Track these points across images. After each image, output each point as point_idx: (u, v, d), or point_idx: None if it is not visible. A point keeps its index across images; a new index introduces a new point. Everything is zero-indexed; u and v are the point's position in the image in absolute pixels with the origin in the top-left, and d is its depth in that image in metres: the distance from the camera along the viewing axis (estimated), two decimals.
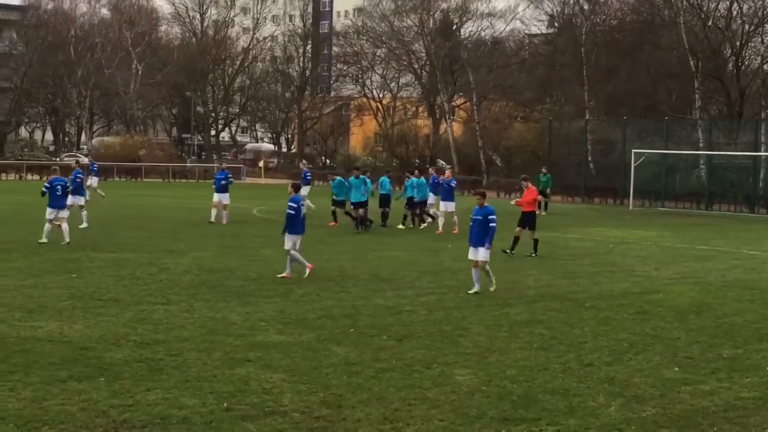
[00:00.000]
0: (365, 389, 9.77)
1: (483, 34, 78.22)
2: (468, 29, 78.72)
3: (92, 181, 40.05)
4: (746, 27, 56.12)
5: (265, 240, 24.12)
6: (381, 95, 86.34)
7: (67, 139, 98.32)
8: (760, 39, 56.69)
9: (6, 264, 18.65)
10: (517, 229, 22.88)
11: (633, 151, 47.59)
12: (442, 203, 29.40)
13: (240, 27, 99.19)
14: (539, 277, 18.83)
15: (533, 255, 22.28)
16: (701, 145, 49.67)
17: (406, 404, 9.26)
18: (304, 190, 32.90)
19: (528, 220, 22.87)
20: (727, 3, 56.33)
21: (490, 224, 16.33)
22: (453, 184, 29.74)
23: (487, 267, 16.46)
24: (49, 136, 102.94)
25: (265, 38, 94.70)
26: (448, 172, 31.41)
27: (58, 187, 23.02)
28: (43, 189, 23.16)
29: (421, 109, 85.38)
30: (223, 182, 30.12)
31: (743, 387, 10.31)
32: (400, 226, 29.68)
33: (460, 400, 9.48)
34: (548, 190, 40.61)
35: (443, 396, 9.59)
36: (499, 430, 8.59)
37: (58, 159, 73.64)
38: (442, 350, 11.73)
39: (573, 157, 54.07)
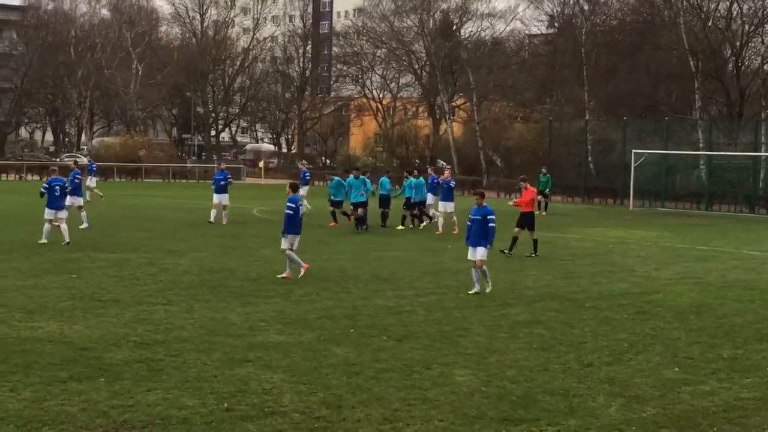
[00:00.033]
0: (365, 390, 9.77)
1: (483, 34, 78.37)
2: (468, 29, 78.89)
3: (91, 181, 40.09)
4: (746, 27, 56.13)
5: (265, 240, 24.12)
6: (381, 95, 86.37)
7: (67, 139, 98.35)
8: (760, 39, 56.70)
9: (6, 264, 18.66)
10: (516, 229, 22.88)
11: (633, 151, 47.59)
12: (441, 203, 29.40)
13: (240, 27, 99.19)
14: (539, 277, 18.83)
15: (533, 255, 22.29)
16: (701, 145, 49.67)
17: (406, 405, 9.26)
18: (303, 191, 33.03)
19: (527, 221, 22.86)
20: (727, 3, 56.37)
21: (489, 224, 16.31)
22: (452, 184, 29.76)
23: (485, 267, 16.44)
24: (49, 136, 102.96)
25: (265, 39, 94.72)
26: (447, 173, 31.41)
27: (57, 187, 23.01)
28: (42, 190, 23.13)
29: (421, 109, 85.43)
30: (222, 183, 30.13)
31: (743, 387, 10.31)
32: (400, 227, 29.68)
33: (459, 400, 9.48)
34: (548, 191, 40.63)
35: (443, 396, 9.59)
36: (499, 431, 8.59)
37: (58, 159, 73.62)
38: (442, 351, 11.74)
39: (573, 157, 54.07)
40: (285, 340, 12.11)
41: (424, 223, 30.45)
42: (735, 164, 47.89)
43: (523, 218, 22.87)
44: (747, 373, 10.95)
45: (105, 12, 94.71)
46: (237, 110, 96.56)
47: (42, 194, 23.02)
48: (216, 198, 29.95)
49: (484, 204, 16.65)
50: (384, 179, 31.42)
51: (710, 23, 56.65)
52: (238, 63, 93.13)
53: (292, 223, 17.74)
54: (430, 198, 31.00)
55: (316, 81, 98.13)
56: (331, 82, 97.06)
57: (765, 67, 56.52)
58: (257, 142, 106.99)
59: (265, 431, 8.41)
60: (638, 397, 9.77)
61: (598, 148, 54.72)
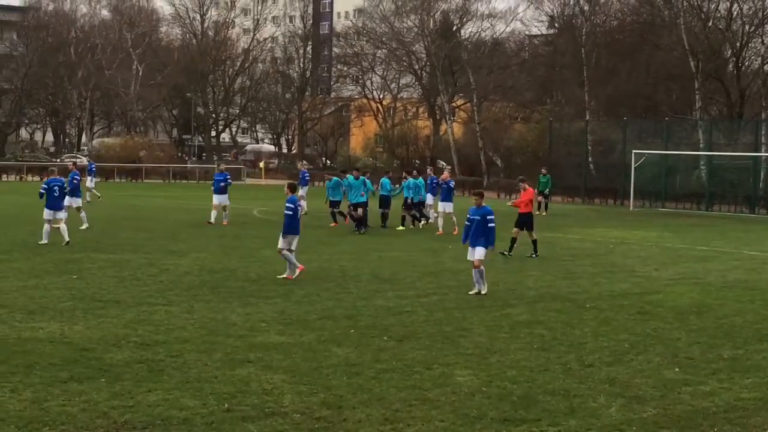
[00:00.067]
0: (366, 390, 9.77)
1: (483, 35, 78.44)
2: (468, 30, 78.94)
3: (90, 182, 40.11)
4: (746, 27, 56.16)
5: (266, 241, 24.11)
6: (381, 96, 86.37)
7: (67, 140, 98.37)
8: (760, 40, 56.71)
9: (7, 265, 18.66)
10: (514, 230, 22.86)
11: (633, 151, 47.59)
12: (440, 204, 29.41)
13: (240, 28, 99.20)
14: (540, 277, 18.83)
15: (533, 256, 22.29)
16: (701, 145, 49.66)
17: (407, 405, 9.26)
18: (303, 191, 33.02)
19: (525, 221, 22.85)
20: (728, 3, 56.39)
21: (489, 224, 16.28)
22: (451, 184, 29.77)
23: (482, 267, 16.37)
24: (49, 137, 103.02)
25: (265, 39, 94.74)
26: (446, 173, 31.42)
27: (56, 188, 23.00)
28: (41, 190, 23.10)
29: (421, 110, 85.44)
30: (222, 184, 30.10)
31: (744, 388, 10.31)
32: (400, 228, 29.69)
33: (460, 400, 9.48)
34: (548, 191, 40.62)
35: (444, 397, 9.59)
36: (500, 431, 8.59)
37: (58, 160, 73.63)
38: (443, 351, 11.74)
39: (573, 157, 54.08)
40: (285, 340, 12.11)
41: (422, 223, 30.47)
42: (735, 165, 47.89)
43: (521, 219, 22.86)
44: (747, 374, 10.95)
45: (105, 13, 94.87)
46: (237, 111, 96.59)
47: (41, 195, 23.00)
48: (216, 199, 29.93)
49: (483, 204, 16.64)
50: (384, 180, 31.42)
51: (710, 23, 56.67)
52: (239, 64, 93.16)
53: (292, 224, 17.76)
54: (429, 198, 31.02)
55: (317, 81, 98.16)
56: (332, 83, 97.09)
57: (765, 67, 56.50)
58: (257, 143, 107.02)
59: None
60: (639, 398, 9.77)
61: (598, 149, 54.72)
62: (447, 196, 29.16)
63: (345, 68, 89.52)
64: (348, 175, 29.78)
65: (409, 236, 27.78)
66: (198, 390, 9.58)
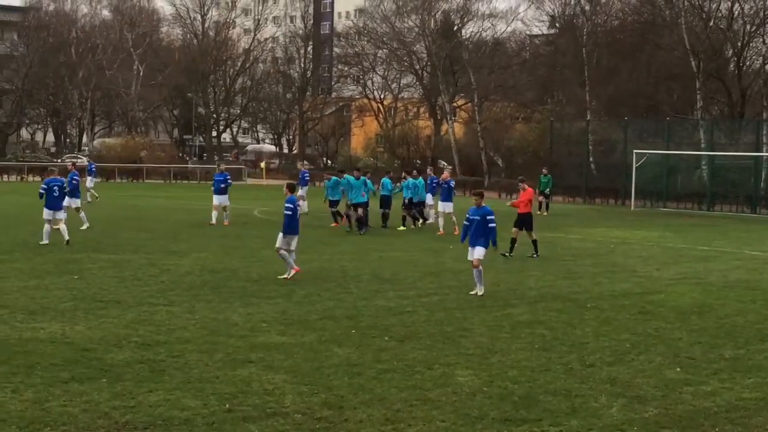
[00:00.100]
0: (367, 390, 9.77)
1: (484, 34, 78.46)
2: (469, 30, 78.96)
3: (90, 182, 40.11)
4: (748, 27, 56.14)
5: (267, 241, 24.06)
6: (382, 96, 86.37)
7: (68, 140, 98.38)
8: (761, 39, 56.69)
9: (8, 265, 18.66)
10: (514, 230, 22.85)
11: (634, 151, 47.59)
12: (440, 204, 29.41)
13: (241, 28, 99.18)
14: (541, 277, 18.82)
15: (534, 256, 22.28)
16: (703, 145, 49.66)
17: (408, 405, 9.26)
18: (303, 191, 33.03)
19: (525, 222, 22.84)
20: (729, 3, 56.37)
21: (490, 224, 16.27)
22: (452, 184, 29.77)
23: (481, 267, 16.32)
24: (50, 137, 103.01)
25: (266, 39, 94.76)
26: (446, 173, 31.40)
27: (55, 188, 23.02)
28: (41, 191, 23.11)
29: (422, 109, 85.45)
30: (222, 185, 30.09)
31: (745, 388, 10.31)
32: (401, 228, 29.69)
33: (461, 401, 9.48)
34: (548, 191, 40.61)
35: (445, 397, 9.59)
36: (501, 431, 8.59)
37: (59, 161, 73.66)
38: (444, 351, 11.73)
39: (574, 157, 54.06)
40: (287, 340, 12.11)
41: (421, 222, 30.47)
42: (736, 164, 47.88)
43: (520, 219, 22.85)
44: (749, 374, 10.94)
45: (106, 13, 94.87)
46: (238, 111, 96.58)
47: (41, 195, 23.01)
48: (216, 200, 29.93)
49: (483, 204, 16.63)
50: (385, 180, 31.42)
51: (711, 23, 56.64)
52: (239, 64, 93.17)
53: (291, 224, 17.76)
54: (429, 198, 31.01)
55: (317, 82, 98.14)
56: (332, 83, 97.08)
57: (766, 67, 56.49)
58: (258, 143, 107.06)
59: None
60: (640, 398, 9.76)
61: (599, 149, 54.72)
62: (447, 196, 29.16)
63: (346, 68, 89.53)
64: (346, 175, 29.79)
65: (410, 236, 27.77)
66: (199, 390, 9.58)
